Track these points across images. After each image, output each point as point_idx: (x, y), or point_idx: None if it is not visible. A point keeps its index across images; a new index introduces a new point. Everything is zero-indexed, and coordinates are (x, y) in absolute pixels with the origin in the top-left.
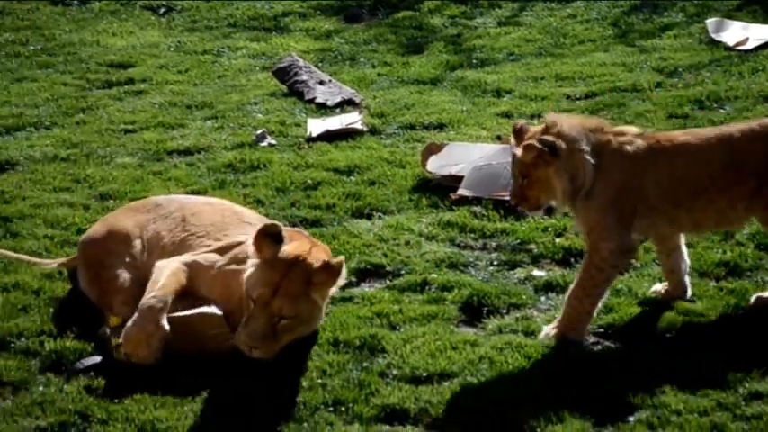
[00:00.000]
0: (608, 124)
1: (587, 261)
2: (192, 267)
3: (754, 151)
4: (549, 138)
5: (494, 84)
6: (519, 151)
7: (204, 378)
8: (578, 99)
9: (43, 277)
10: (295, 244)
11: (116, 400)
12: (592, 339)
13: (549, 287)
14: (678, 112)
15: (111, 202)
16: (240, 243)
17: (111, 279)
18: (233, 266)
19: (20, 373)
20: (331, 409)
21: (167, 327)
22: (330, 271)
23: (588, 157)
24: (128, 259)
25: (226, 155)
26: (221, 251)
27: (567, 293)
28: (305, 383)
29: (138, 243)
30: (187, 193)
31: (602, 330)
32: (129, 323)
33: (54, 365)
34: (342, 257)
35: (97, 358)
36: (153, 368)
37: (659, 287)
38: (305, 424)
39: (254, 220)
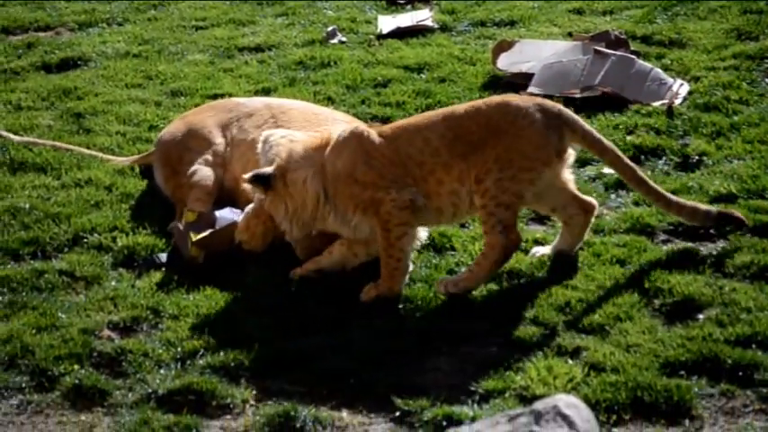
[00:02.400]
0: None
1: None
2: None
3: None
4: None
5: None
6: None
7: (275, 274)
8: None
9: (116, 173)
10: None
11: (187, 296)
12: (662, 237)
13: (619, 185)
14: (752, 7)
15: (183, 98)
16: None
17: (189, 175)
18: None
19: (92, 268)
20: (400, 305)
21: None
22: None
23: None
24: (208, 156)
25: (296, 52)
26: None
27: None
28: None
29: (220, 141)
30: (257, 90)
31: (671, 228)
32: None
33: (126, 261)
34: None
35: (164, 256)
36: (222, 264)
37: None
38: (374, 320)
39: (345, 118)
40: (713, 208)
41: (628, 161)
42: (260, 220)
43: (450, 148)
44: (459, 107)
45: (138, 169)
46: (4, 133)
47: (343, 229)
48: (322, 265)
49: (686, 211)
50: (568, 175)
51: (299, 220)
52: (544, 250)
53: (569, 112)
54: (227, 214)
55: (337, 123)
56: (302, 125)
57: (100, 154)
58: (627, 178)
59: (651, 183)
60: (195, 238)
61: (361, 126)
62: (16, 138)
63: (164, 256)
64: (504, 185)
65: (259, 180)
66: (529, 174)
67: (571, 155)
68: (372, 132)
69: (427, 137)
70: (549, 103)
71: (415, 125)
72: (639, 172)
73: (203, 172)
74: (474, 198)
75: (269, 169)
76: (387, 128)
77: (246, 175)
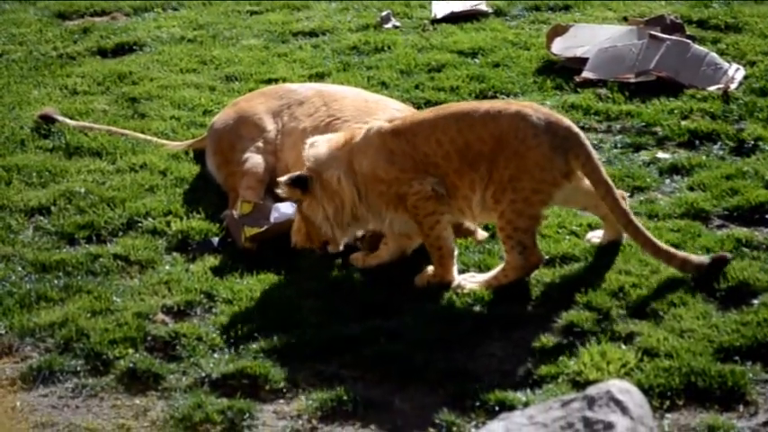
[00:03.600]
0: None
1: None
2: None
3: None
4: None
5: None
6: None
7: (329, 258)
8: None
9: (170, 158)
10: None
11: (240, 280)
12: (717, 222)
13: (673, 170)
14: None
15: (237, 83)
16: None
17: (241, 163)
18: None
19: (147, 252)
20: (453, 290)
21: None
22: None
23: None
24: (260, 144)
25: (350, 37)
26: None
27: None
28: (424, 265)
29: (271, 128)
30: (311, 75)
31: (726, 213)
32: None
33: (180, 245)
34: None
35: (216, 240)
36: (276, 249)
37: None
38: (427, 305)
39: (397, 105)
40: (705, 258)
41: (621, 202)
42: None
43: (461, 155)
44: (475, 110)
45: (191, 154)
46: (60, 118)
47: (382, 226)
48: (383, 258)
49: (676, 261)
50: None
51: (340, 222)
52: (597, 238)
53: (579, 134)
54: (285, 209)
55: (390, 112)
56: (353, 114)
57: (154, 139)
58: (617, 218)
59: (641, 227)
60: (249, 233)
61: (382, 124)
62: (72, 122)
63: (216, 241)
64: (518, 208)
65: (296, 183)
66: (539, 195)
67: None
68: (393, 129)
69: (440, 139)
70: (559, 123)
71: (432, 123)
72: (631, 215)
73: (255, 159)
74: (489, 209)
75: (305, 171)
76: (407, 122)
77: (282, 179)
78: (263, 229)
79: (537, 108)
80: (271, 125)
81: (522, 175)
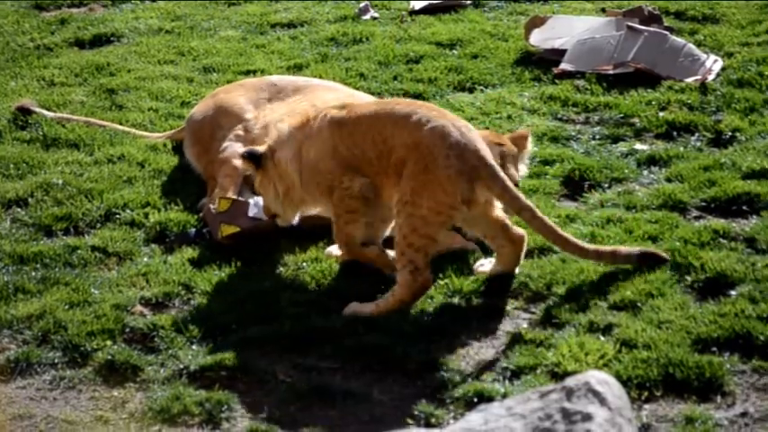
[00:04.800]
0: None
1: None
2: None
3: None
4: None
5: None
6: None
7: (306, 249)
8: None
9: (148, 149)
10: None
11: (219, 272)
12: (694, 213)
13: (651, 161)
14: None
15: (215, 74)
16: None
17: (220, 151)
18: None
19: (125, 244)
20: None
21: None
22: None
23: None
24: (239, 132)
25: (328, 28)
26: None
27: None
28: None
29: (251, 117)
30: (290, 66)
31: (704, 204)
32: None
33: (158, 237)
34: None
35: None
36: (257, 242)
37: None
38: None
39: (373, 100)
40: (635, 250)
41: (545, 219)
42: None
43: (389, 157)
44: (409, 114)
45: (170, 145)
46: (38, 110)
47: (323, 211)
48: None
49: (606, 256)
50: (498, 211)
51: (291, 201)
52: (485, 268)
53: (493, 166)
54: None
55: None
56: None
57: (132, 130)
58: (546, 236)
59: (567, 235)
60: (226, 231)
61: (334, 112)
62: (49, 114)
63: (193, 232)
64: (414, 224)
65: (251, 158)
66: (438, 217)
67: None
68: (339, 120)
69: (375, 138)
70: (475, 152)
71: (371, 120)
72: (558, 229)
73: (233, 148)
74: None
75: (261, 147)
76: (352, 114)
77: (240, 150)
78: (239, 230)
79: (463, 129)
80: (250, 115)
81: (424, 191)
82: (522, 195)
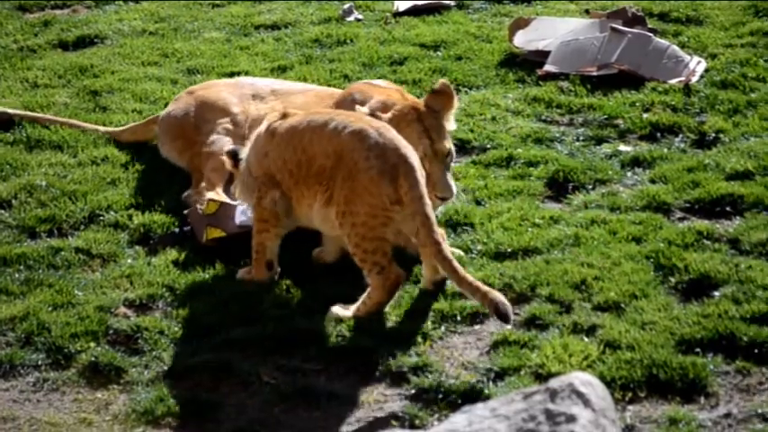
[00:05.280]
0: None
1: None
2: None
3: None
4: None
5: None
6: None
7: (290, 252)
8: None
9: (132, 151)
10: None
11: (203, 273)
12: (678, 215)
13: (635, 162)
14: None
15: (199, 76)
16: None
17: (207, 144)
18: None
19: (108, 246)
20: (415, 284)
21: None
22: None
23: None
24: (228, 126)
25: (312, 29)
26: None
27: None
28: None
29: (239, 111)
30: (274, 68)
31: (688, 206)
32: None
33: (142, 239)
34: None
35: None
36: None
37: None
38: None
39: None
40: (501, 302)
41: (437, 235)
42: None
43: (309, 166)
44: (327, 122)
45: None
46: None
47: None
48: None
49: (479, 294)
50: None
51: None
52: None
53: (412, 163)
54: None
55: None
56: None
57: (92, 126)
58: (430, 250)
59: (454, 262)
60: (211, 235)
61: (273, 120)
62: (10, 110)
63: (178, 231)
64: (359, 232)
65: (231, 155)
66: (376, 219)
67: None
68: (272, 129)
69: (295, 147)
70: (395, 149)
71: (294, 129)
72: (446, 250)
73: (222, 141)
74: (336, 228)
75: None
76: (284, 124)
77: (227, 147)
78: (224, 234)
79: (382, 130)
80: (238, 109)
81: (355, 198)
82: (426, 201)
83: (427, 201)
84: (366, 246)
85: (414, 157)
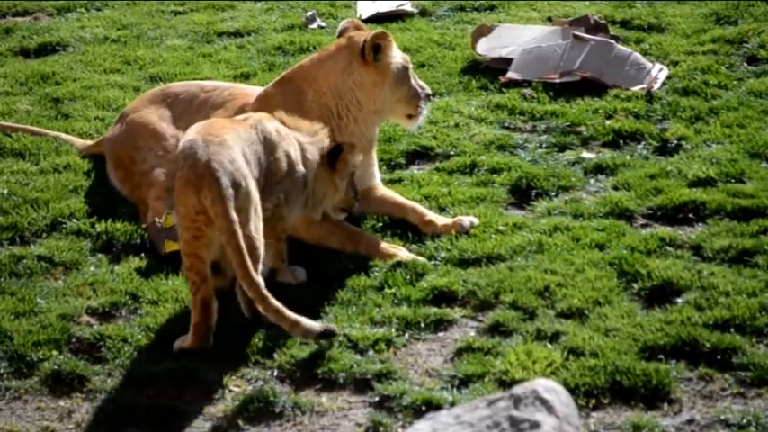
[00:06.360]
0: None
1: None
2: None
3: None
4: None
5: None
6: None
7: None
8: None
9: (93, 159)
10: None
11: (166, 281)
12: (641, 222)
13: (598, 169)
14: None
15: (161, 83)
16: None
17: (144, 174)
18: None
19: (71, 253)
20: (379, 291)
21: None
22: None
23: None
24: (159, 153)
25: (275, 37)
26: None
27: None
28: (351, 266)
29: (171, 134)
30: (237, 75)
31: (650, 212)
32: None
33: (105, 247)
34: None
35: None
36: None
37: None
38: (353, 307)
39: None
40: (317, 325)
41: (242, 250)
42: None
43: None
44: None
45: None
46: None
47: None
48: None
49: (286, 322)
50: None
51: None
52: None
53: (218, 174)
54: None
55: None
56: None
57: (54, 132)
58: (235, 267)
59: (261, 286)
60: (170, 248)
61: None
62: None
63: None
64: (182, 248)
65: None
66: (187, 232)
67: None
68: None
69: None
70: (202, 160)
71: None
72: (253, 273)
73: (158, 170)
74: None
75: None
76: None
77: (161, 177)
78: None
79: (209, 139)
80: (170, 131)
81: (176, 205)
82: (231, 214)
83: (234, 218)
84: (184, 259)
85: (224, 174)
